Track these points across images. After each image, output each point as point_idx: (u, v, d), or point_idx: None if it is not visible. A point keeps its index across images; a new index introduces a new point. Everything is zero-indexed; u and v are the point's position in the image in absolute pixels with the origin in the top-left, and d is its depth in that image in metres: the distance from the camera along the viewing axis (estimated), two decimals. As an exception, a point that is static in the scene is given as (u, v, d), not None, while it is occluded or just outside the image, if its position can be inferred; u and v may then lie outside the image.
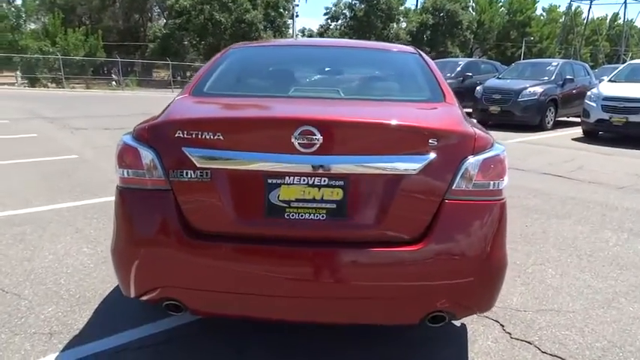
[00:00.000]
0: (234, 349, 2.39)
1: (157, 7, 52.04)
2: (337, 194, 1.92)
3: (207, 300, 2.03)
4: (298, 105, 2.32)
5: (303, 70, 2.95)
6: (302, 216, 1.92)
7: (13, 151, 7.59)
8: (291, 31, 40.60)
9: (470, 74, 13.97)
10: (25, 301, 2.83)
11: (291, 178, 1.92)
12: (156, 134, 2.01)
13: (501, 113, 11.66)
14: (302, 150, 1.87)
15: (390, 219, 1.92)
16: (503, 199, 2.05)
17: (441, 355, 2.41)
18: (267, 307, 2.01)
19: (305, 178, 1.92)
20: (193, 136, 1.93)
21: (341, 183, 1.92)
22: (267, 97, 2.47)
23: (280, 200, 1.93)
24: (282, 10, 40.51)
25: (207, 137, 1.91)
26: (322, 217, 1.93)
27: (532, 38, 52.55)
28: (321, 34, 44.56)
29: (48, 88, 30.32)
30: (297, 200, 1.93)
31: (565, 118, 13.15)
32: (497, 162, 2.02)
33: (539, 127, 11.60)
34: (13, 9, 37.87)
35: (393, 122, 1.93)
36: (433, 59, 3.12)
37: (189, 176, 1.94)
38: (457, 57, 35.06)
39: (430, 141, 1.91)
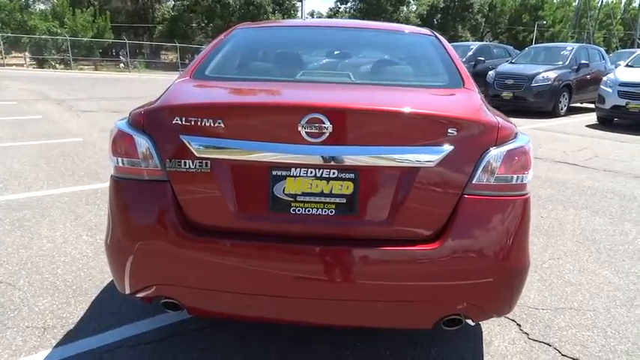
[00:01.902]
0: (232, 347, 2.28)
1: (166, -12, 51.60)
2: (347, 188, 1.77)
3: (206, 299, 1.89)
4: (306, 90, 2.15)
5: (311, 52, 2.77)
6: (309, 211, 1.77)
7: (17, 132, 7.49)
8: (300, 13, 40.06)
9: (482, 59, 13.65)
10: (19, 291, 2.73)
11: (298, 169, 1.76)
12: (152, 120, 1.86)
13: (514, 99, 11.39)
14: (310, 139, 1.71)
15: (404, 215, 1.77)
16: (527, 194, 1.89)
17: (454, 357, 2.28)
18: (270, 308, 1.87)
19: (313, 170, 1.76)
20: (192, 123, 1.77)
21: (351, 176, 1.76)
22: (272, 81, 2.29)
23: (285, 194, 1.78)
24: (290, -8, 39.95)
25: (207, 124, 1.76)
26: (331, 212, 1.77)
27: (544, 22, 51.43)
28: (330, 17, 43.96)
29: (56, 69, 30.26)
30: (304, 194, 1.77)
31: (579, 104, 12.84)
32: (522, 154, 1.85)
33: (553, 114, 11.32)
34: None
35: (409, 110, 1.76)
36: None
37: (187, 166, 1.79)
38: (468, 41, 34.40)
39: (449, 131, 1.74)
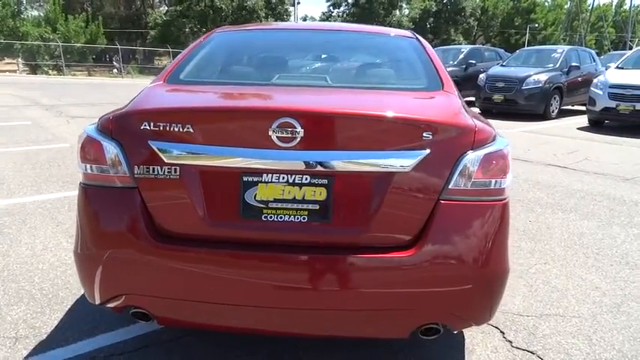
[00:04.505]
0: (210, 357, 2.22)
1: (159, -6, 51.67)
2: (320, 194, 1.72)
3: (175, 309, 1.83)
4: (278, 94, 2.11)
5: (290, 55, 2.72)
6: (281, 218, 1.72)
7: (3, 139, 7.40)
8: (292, 18, 40.09)
9: (473, 62, 13.66)
10: (-7, 301, 2.66)
11: (270, 175, 1.72)
12: (120, 126, 1.81)
13: (505, 102, 11.39)
14: (281, 144, 1.67)
15: (379, 221, 1.72)
16: (505, 199, 1.85)
17: (436, 366, 2.23)
18: (241, 318, 1.82)
19: (285, 175, 1.71)
20: (161, 128, 1.72)
21: (325, 181, 1.72)
22: (247, 85, 2.24)
23: (257, 200, 1.73)
24: (283, -3, 40.03)
25: (176, 130, 1.71)
26: (304, 219, 1.73)
27: (537, 25, 51.69)
28: (322, 21, 44.01)
29: (49, 75, 30.13)
30: (276, 200, 1.73)
31: (570, 107, 12.87)
32: (500, 158, 1.81)
33: (544, 116, 11.33)
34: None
35: (383, 114, 1.72)
36: (435, 47, 2.89)
37: (156, 173, 1.74)
38: (460, 44, 34.53)
39: (425, 134, 1.70)
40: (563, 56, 12.08)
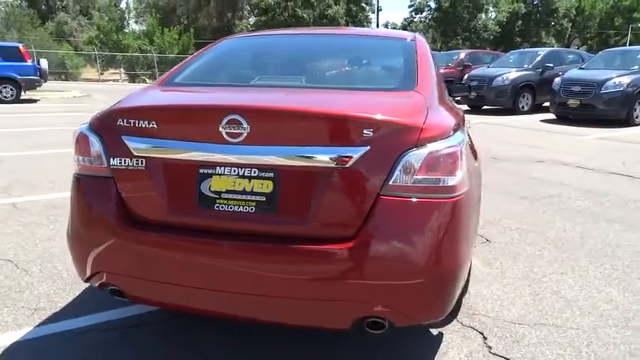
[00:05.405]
0: (200, 338, 2.40)
1: (247, 5, 54.07)
2: (267, 187, 1.83)
3: (142, 288, 2.03)
4: (236, 94, 2.25)
5: (278, 59, 2.85)
6: (231, 208, 1.86)
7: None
8: (373, 25, 40.18)
9: (550, 65, 12.90)
10: (29, 277, 3.05)
11: (222, 168, 1.86)
12: (103, 123, 2.05)
13: (581, 107, 10.64)
14: (230, 140, 1.81)
15: (321, 214, 1.80)
16: (456, 196, 1.83)
17: (405, 364, 2.24)
18: (196, 300, 1.96)
19: (235, 168, 1.85)
20: (132, 124, 1.94)
21: (271, 175, 1.83)
22: (224, 86, 2.42)
23: (211, 191, 1.88)
24: (363, 5, 40.22)
25: (143, 126, 1.92)
26: (251, 209, 1.85)
27: (640, 25, 47.42)
28: (404, 28, 43.64)
29: (146, 83, 32.73)
30: (228, 191, 1.86)
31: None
32: (447, 156, 1.81)
33: (626, 122, 10.43)
34: (118, 11, 41.54)
35: (324, 111, 1.80)
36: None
37: (126, 164, 1.95)
38: (553, 47, 32.55)
39: (365, 132, 1.75)
40: (653, 57, 11.08)
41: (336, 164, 1.76)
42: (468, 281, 2.62)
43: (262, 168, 1.83)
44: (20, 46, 15.96)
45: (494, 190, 5.22)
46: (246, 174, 1.85)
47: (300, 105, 1.92)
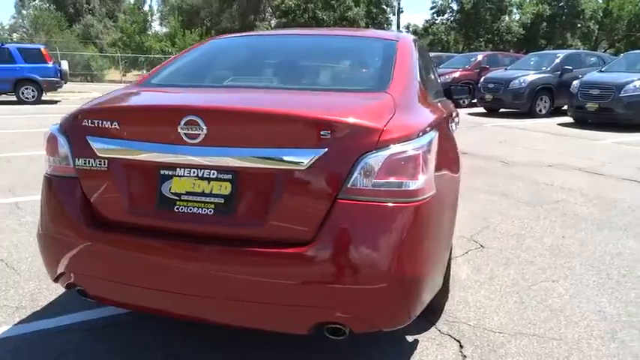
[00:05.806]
0: (173, 339, 2.39)
1: (269, 8, 54.46)
2: (225, 188, 1.82)
3: (103, 289, 2.04)
4: (198, 94, 2.24)
5: (256, 60, 2.82)
6: (191, 210, 1.85)
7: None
8: (394, 27, 39.96)
9: (569, 68, 12.58)
10: (17, 275, 3.09)
11: (182, 170, 1.85)
12: (70, 123, 2.06)
13: (599, 110, 10.36)
14: (188, 141, 1.80)
15: (279, 217, 1.77)
16: (419, 200, 1.78)
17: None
18: (155, 301, 1.96)
19: (195, 170, 1.84)
20: (95, 125, 1.94)
21: (229, 177, 1.81)
22: (193, 87, 2.41)
23: (172, 192, 1.87)
24: (384, 6, 40.05)
25: (106, 126, 1.92)
26: (210, 211, 1.83)
27: (673, 27, 45.93)
28: (425, 30, 43.27)
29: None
30: (188, 193, 1.85)
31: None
32: (408, 159, 1.76)
33: (648, 127, 10.12)
34: (141, 14, 42.33)
35: (281, 112, 1.78)
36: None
37: (90, 165, 1.96)
38: (579, 49, 31.82)
39: (322, 133, 1.72)
40: (677, 59, 10.73)
41: (294, 166, 1.73)
42: (447, 286, 2.57)
43: (220, 170, 1.81)
44: (42, 47, 16.36)
45: (497, 194, 5.11)
46: (205, 175, 1.83)
47: (257, 106, 1.89)
